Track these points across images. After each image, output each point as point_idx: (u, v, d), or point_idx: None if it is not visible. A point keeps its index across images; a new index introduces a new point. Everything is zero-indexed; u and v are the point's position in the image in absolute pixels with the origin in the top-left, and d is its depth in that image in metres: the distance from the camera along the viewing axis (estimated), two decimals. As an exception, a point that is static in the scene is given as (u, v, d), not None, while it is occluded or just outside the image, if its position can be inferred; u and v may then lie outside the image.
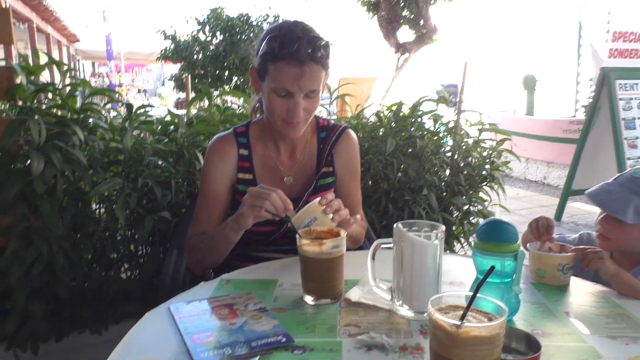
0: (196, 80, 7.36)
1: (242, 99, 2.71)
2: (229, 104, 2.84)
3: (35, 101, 1.78)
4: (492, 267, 0.78)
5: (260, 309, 1.10)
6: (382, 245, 1.10)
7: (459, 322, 0.73)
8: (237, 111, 2.49)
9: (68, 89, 1.88)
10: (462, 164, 2.56)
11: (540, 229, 1.35)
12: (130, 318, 2.07)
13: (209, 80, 7.14)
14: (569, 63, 9.97)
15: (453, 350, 0.73)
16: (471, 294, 0.78)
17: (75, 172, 1.75)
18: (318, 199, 1.29)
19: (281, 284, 1.26)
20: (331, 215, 1.27)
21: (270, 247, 1.56)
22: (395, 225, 1.07)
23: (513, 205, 5.41)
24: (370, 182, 2.42)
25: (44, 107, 1.88)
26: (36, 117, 1.69)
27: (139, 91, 17.10)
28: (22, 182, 1.64)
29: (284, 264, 1.41)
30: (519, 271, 1.03)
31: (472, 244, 1.13)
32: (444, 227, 1.06)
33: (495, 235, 1.03)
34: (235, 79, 7.21)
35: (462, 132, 2.61)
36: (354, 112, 2.66)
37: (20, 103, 1.77)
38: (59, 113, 1.89)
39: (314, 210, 1.26)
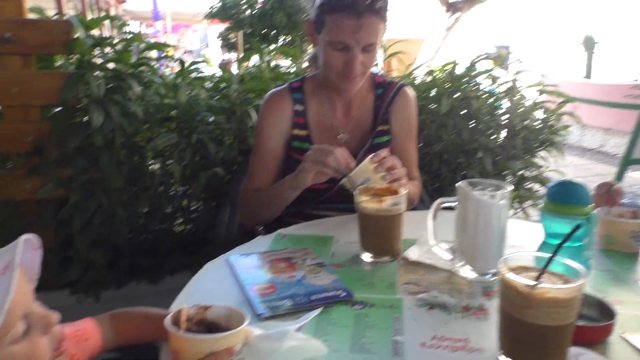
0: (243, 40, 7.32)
1: (289, 60, 2.66)
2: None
3: (92, 55, 1.81)
4: (578, 226, 0.73)
5: (318, 263, 1.10)
6: (444, 205, 1.07)
7: (533, 283, 0.70)
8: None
9: (122, 44, 1.90)
10: (519, 127, 2.46)
11: (611, 194, 1.28)
12: (184, 270, 2.14)
13: (257, 39, 7.08)
14: (632, 24, 9.35)
15: (526, 312, 0.70)
16: (542, 255, 0.74)
17: (132, 126, 1.77)
18: (370, 156, 1.26)
19: (337, 240, 1.26)
20: (383, 174, 1.25)
21: (324, 205, 1.55)
22: (459, 184, 1.03)
23: (568, 173, 5.21)
24: (422, 144, 2.36)
25: (100, 61, 1.90)
26: (95, 72, 1.71)
27: (184, 52, 17.24)
28: (82, 135, 1.68)
29: (340, 221, 1.40)
30: (591, 235, 0.98)
31: (542, 205, 1.08)
32: (511, 187, 1.01)
33: (567, 197, 0.98)
34: (282, 38, 7.12)
35: (520, 93, 2.49)
36: (404, 73, 2.58)
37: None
38: (115, 67, 1.91)
39: (366, 169, 1.24)
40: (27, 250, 0.69)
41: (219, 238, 1.76)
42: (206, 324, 0.75)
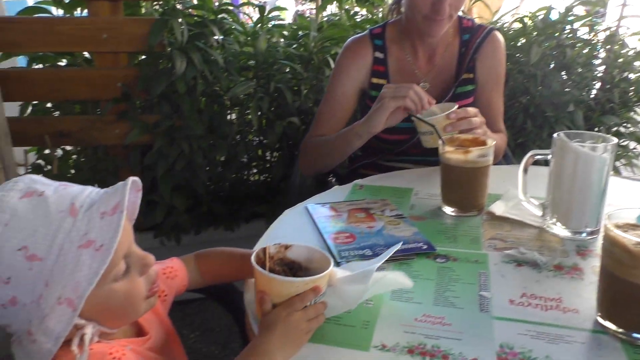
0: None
1: (366, 9, 2.56)
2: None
3: (176, 1, 1.82)
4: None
5: (398, 215, 1.07)
6: (537, 157, 1.00)
7: (645, 242, 0.63)
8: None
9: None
10: (617, 79, 2.25)
11: None
12: (259, 218, 2.19)
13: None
14: None
15: (633, 272, 0.64)
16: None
17: (213, 74, 1.79)
18: (447, 112, 1.20)
19: (417, 192, 1.22)
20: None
21: (401, 157, 1.51)
22: (556, 134, 0.95)
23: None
24: (506, 96, 2.22)
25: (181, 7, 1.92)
26: (179, 18, 1.73)
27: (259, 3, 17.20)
28: (166, 82, 1.72)
29: (419, 173, 1.36)
30: None
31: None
32: (615, 140, 0.92)
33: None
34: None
35: (621, 42, 2.27)
36: (489, 20, 2.42)
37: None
38: (197, 14, 1.92)
39: (440, 122, 1.18)
40: (132, 192, 0.71)
41: (294, 188, 1.77)
42: (286, 263, 0.75)
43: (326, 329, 0.71)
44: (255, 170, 2.23)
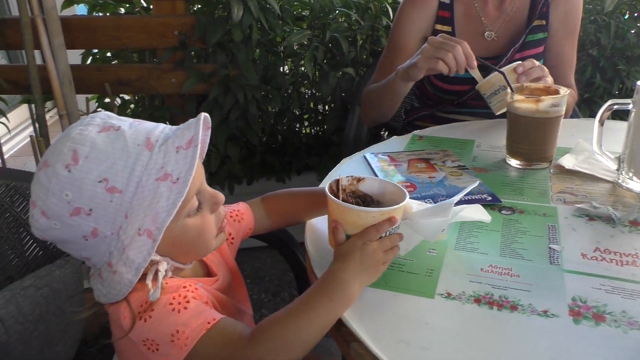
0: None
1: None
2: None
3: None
4: None
5: (460, 166, 1.04)
6: (616, 107, 0.94)
7: None
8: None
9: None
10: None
11: None
12: (310, 171, 2.19)
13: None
14: None
15: None
16: None
17: (268, 22, 1.76)
18: (514, 64, 1.13)
19: (479, 144, 1.18)
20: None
21: (461, 109, 1.46)
22: (639, 82, 0.88)
23: None
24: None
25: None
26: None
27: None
28: (222, 30, 1.71)
29: (481, 125, 1.31)
30: None
31: None
32: None
33: None
34: None
35: None
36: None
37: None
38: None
39: (507, 76, 1.11)
40: (202, 129, 0.71)
41: (348, 140, 1.75)
42: (358, 196, 0.74)
43: (389, 276, 0.70)
44: (306, 124, 2.22)
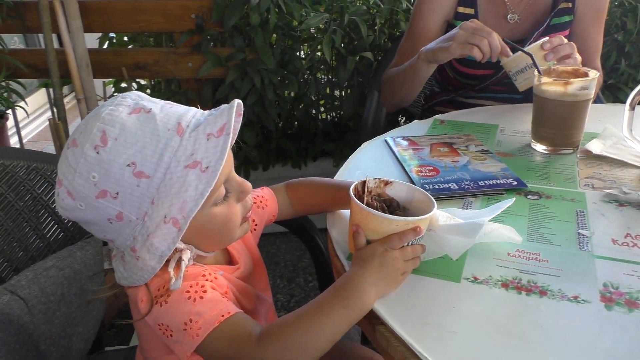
0: None
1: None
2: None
3: None
4: None
5: (483, 150, 1.02)
6: (647, 91, 0.91)
7: None
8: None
9: None
10: None
11: None
12: (327, 157, 2.18)
13: None
14: None
15: None
16: None
17: (286, 5, 1.74)
18: (541, 41, 1.10)
19: (503, 129, 1.15)
20: (553, 63, 1.08)
21: (483, 94, 1.43)
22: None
23: None
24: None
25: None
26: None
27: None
28: (240, 13, 1.69)
29: (504, 109, 1.28)
30: None
31: None
32: None
33: None
34: None
35: None
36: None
37: None
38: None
39: (533, 53, 1.08)
40: (235, 115, 0.70)
41: (366, 126, 1.73)
42: (384, 200, 0.71)
43: (414, 259, 0.69)
44: (322, 109, 2.20)
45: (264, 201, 0.82)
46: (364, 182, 0.69)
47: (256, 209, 0.80)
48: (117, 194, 0.57)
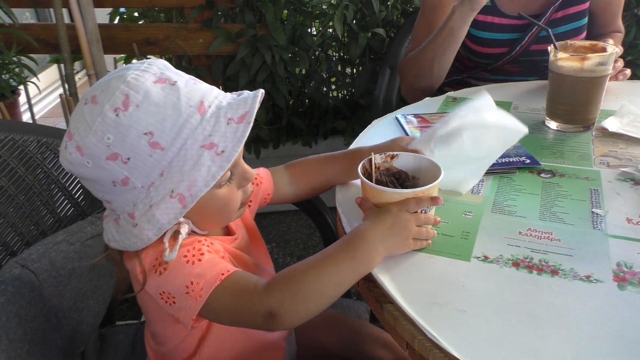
0: None
1: None
2: None
3: None
4: None
5: (497, 128, 1.00)
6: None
7: None
8: None
9: None
10: None
11: None
12: (338, 134, 2.16)
13: None
14: None
15: None
16: None
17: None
18: None
19: (516, 106, 1.13)
20: None
21: (495, 76, 1.39)
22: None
23: None
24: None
25: None
26: None
27: None
28: (250, -13, 1.66)
29: (518, 86, 1.26)
30: None
31: None
32: None
33: None
34: None
35: None
36: None
37: None
38: None
39: None
40: None
41: (377, 103, 1.71)
42: (393, 173, 0.71)
43: (423, 237, 0.68)
44: (333, 87, 2.18)
45: (259, 179, 0.81)
46: (370, 160, 0.70)
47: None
48: (129, 159, 0.57)
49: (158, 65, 0.60)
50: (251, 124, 0.58)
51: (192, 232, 0.66)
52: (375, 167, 0.70)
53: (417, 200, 0.63)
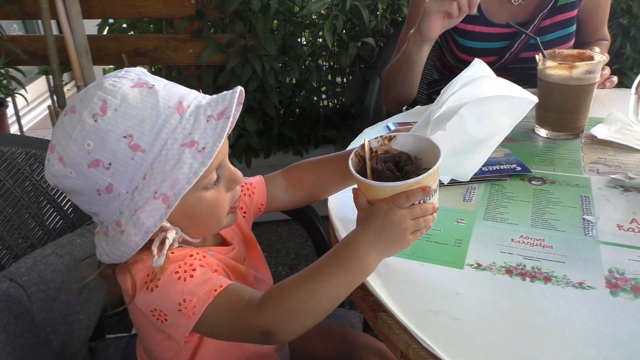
0: None
1: None
2: None
3: None
4: None
5: (487, 136, 1.00)
6: (654, 74, 0.89)
7: None
8: None
9: None
10: None
11: None
12: (328, 144, 2.17)
13: None
14: None
15: None
16: None
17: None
18: None
19: (506, 114, 1.14)
20: None
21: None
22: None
23: None
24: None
25: None
26: None
27: None
28: (240, -2, 1.67)
29: (508, 95, 1.26)
30: None
31: None
32: None
33: None
34: None
35: None
36: None
37: None
38: None
39: None
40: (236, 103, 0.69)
41: (368, 112, 1.72)
42: (393, 156, 0.65)
43: (416, 246, 0.67)
44: (324, 96, 2.19)
45: (251, 189, 0.80)
46: (362, 146, 0.64)
47: (243, 197, 0.79)
48: (110, 164, 0.56)
49: (136, 72, 0.60)
50: (230, 119, 0.57)
51: (183, 242, 0.65)
52: (373, 152, 0.64)
53: (408, 195, 0.58)
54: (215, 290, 0.58)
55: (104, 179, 0.57)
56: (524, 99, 0.66)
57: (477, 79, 0.67)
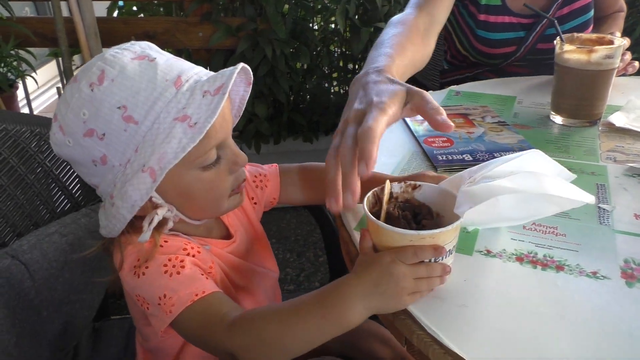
0: None
1: None
2: None
3: None
4: None
5: (500, 122, 0.98)
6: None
7: None
8: None
9: None
10: None
11: None
12: (339, 131, 2.14)
13: None
14: None
15: None
16: None
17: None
18: None
19: (520, 100, 1.11)
20: None
21: (502, 76, 1.37)
22: None
23: None
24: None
25: None
26: None
27: None
28: (251, -19, 1.64)
29: (522, 81, 1.24)
30: None
31: None
32: None
33: None
34: None
35: None
36: None
37: None
38: None
39: None
40: (242, 84, 0.67)
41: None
42: (412, 206, 0.60)
43: (424, 231, 0.66)
44: (335, 82, 2.16)
45: (265, 181, 0.78)
46: (382, 188, 0.59)
47: (254, 189, 0.77)
48: (104, 135, 0.56)
49: (141, 45, 0.60)
50: (226, 95, 0.55)
51: (181, 222, 0.64)
52: (393, 198, 0.60)
53: (416, 250, 0.52)
54: (197, 295, 0.57)
55: (98, 150, 0.56)
56: (578, 200, 0.60)
57: (534, 173, 0.60)
